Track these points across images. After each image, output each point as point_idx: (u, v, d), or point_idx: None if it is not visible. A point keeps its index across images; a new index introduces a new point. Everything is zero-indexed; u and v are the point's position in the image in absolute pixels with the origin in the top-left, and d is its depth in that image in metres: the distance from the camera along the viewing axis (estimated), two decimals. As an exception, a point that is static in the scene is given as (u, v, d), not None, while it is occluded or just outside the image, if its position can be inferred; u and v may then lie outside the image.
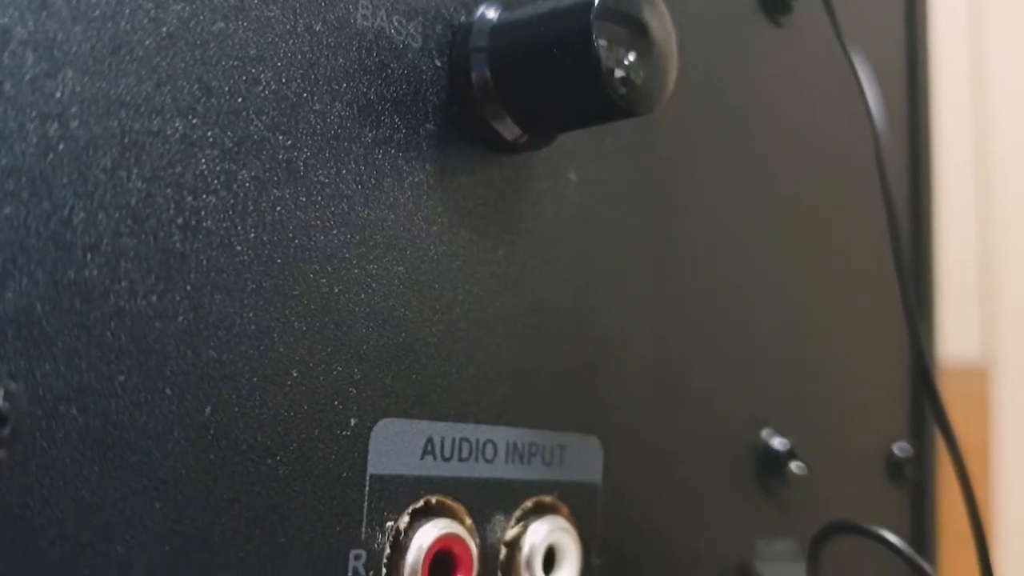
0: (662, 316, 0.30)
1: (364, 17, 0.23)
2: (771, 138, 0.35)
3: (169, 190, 0.20)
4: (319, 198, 0.22)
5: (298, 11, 0.22)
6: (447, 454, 0.24)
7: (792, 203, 0.35)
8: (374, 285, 0.23)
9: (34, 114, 0.18)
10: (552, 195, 0.27)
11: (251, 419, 0.21)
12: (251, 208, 0.21)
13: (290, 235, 0.22)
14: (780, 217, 0.35)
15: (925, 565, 0.27)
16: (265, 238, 0.21)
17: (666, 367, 0.30)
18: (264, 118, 0.22)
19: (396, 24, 0.24)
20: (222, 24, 0.21)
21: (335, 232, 0.23)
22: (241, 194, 0.21)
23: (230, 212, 0.21)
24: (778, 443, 0.32)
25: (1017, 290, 0.90)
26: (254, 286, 0.21)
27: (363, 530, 0.22)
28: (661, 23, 0.24)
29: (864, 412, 0.37)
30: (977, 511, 0.29)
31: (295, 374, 0.22)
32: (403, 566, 0.23)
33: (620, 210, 0.29)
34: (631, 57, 0.23)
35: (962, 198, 0.94)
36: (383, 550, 0.23)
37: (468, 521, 0.24)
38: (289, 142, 0.22)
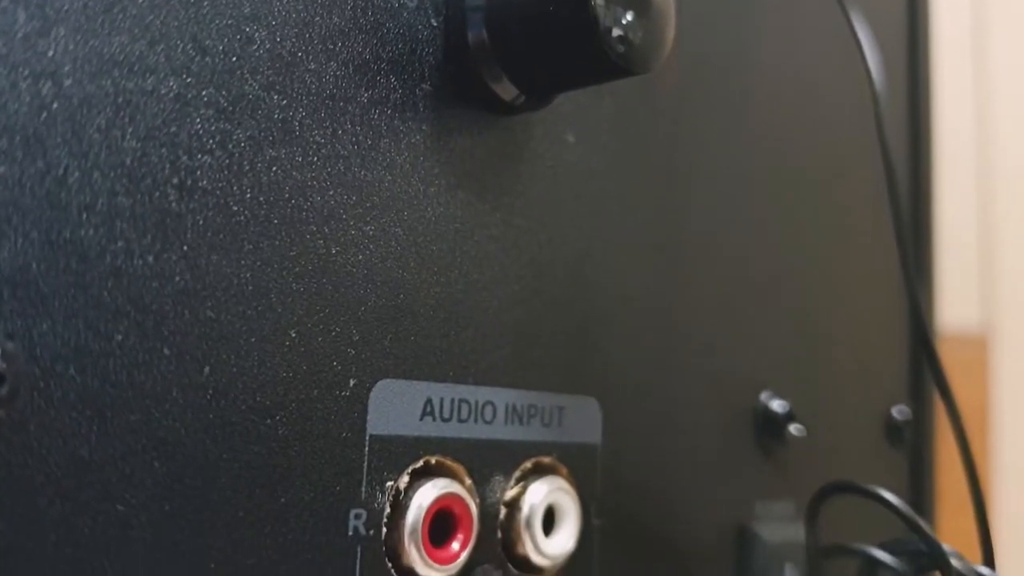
0: (660, 279, 0.30)
1: (359, -24, 0.23)
2: (770, 100, 0.35)
3: (164, 150, 0.20)
4: (315, 158, 0.22)
5: (292, -31, 0.22)
6: (446, 415, 0.24)
7: (791, 166, 0.35)
8: (371, 246, 0.23)
9: (27, 73, 0.18)
10: (550, 157, 0.27)
11: (250, 379, 0.21)
12: (247, 168, 0.21)
13: (286, 195, 0.22)
14: (779, 180, 0.35)
15: (923, 524, 0.27)
16: (261, 198, 0.21)
17: (665, 330, 0.30)
18: (259, 77, 0.21)
19: (391, -17, 0.24)
20: (215, -18, 0.21)
21: (331, 193, 0.22)
22: (236, 154, 0.21)
23: (226, 172, 0.21)
24: (777, 405, 0.32)
25: (1017, 258, 0.90)
26: (251, 247, 0.21)
27: (363, 490, 0.23)
28: (659, -20, 0.24)
29: (863, 375, 0.37)
30: (976, 473, 0.29)
31: (293, 335, 0.22)
32: (403, 525, 0.23)
33: (618, 172, 0.29)
34: (629, 16, 0.23)
35: (962, 165, 0.93)
36: (383, 509, 0.23)
37: (468, 481, 0.24)
38: (284, 102, 0.22)
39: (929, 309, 0.38)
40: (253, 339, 0.21)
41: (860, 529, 0.32)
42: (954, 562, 0.28)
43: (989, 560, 0.29)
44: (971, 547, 0.29)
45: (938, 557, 0.27)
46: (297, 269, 0.22)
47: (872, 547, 0.29)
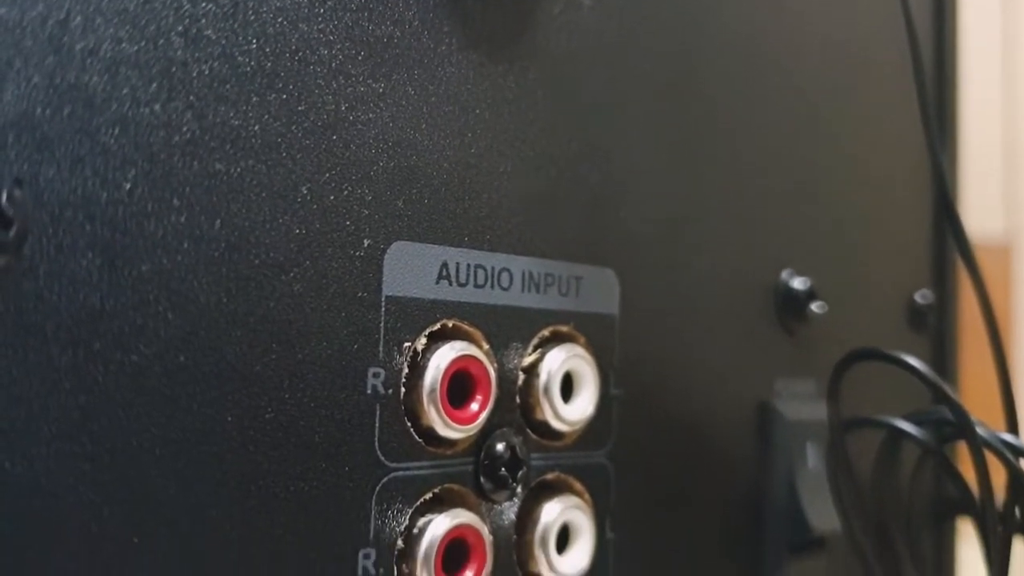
0: (679, 150, 0.29)
1: None
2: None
3: (166, -5, 0.19)
4: (321, 9, 0.22)
5: None
6: (462, 279, 0.24)
7: (815, 41, 0.34)
8: (381, 104, 0.23)
9: (22, -91, 0.18)
10: (565, 20, 0.26)
11: (262, 234, 0.21)
12: (251, 17, 0.21)
13: (293, 47, 0.21)
14: (802, 55, 0.34)
15: (949, 390, 0.27)
16: (267, 49, 0.21)
17: (684, 204, 0.29)
18: (261, -76, 0.21)
19: None
20: None
21: (339, 47, 0.22)
22: (241, 3, 0.20)
23: (230, 21, 0.20)
24: (798, 283, 0.32)
25: (1042, 167, 0.89)
26: (257, 99, 0.21)
27: (380, 350, 0.22)
28: None
29: (886, 258, 0.37)
30: (999, 338, 0.28)
31: (304, 191, 0.21)
32: (422, 386, 0.23)
33: (635, 39, 0.28)
34: None
35: (987, 75, 0.91)
36: (401, 370, 0.23)
37: (485, 346, 0.24)
38: (288, -49, 0.21)
39: (953, 181, 0.37)
40: (264, 194, 0.21)
41: (881, 408, 0.31)
42: (979, 429, 0.27)
43: (1013, 429, 0.29)
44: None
45: (963, 423, 0.27)
46: (306, 124, 0.21)
47: (895, 418, 0.29)
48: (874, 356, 0.28)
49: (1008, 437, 0.28)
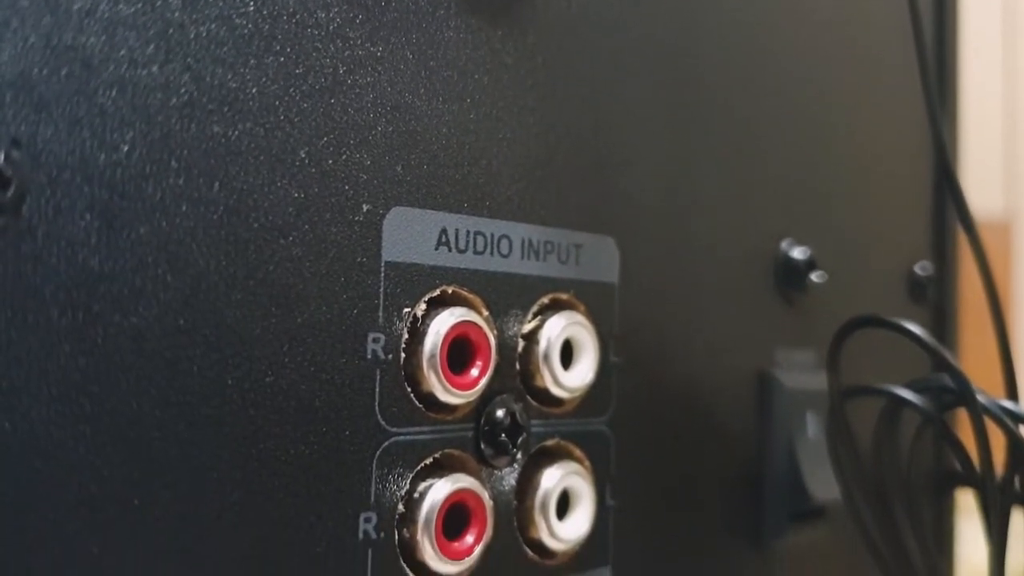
0: (680, 119, 0.29)
1: None
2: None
3: (163, -44, 0.19)
4: (319, -28, 0.22)
5: None
6: (462, 246, 0.24)
7: (816, 12, 0.34)
8: (380, 68, 0.23)
9: None
10: (562, -14, 0.26)
11: (260, 197, 0.21)
12: (249, -21, 0.20)
13: (290, 10, 0.21)
14: (804, 26, 0.34)
15: (949, 356, 0.27)
16: (265, 12, 0.21)
17: (684, 172, 0.29)
18: None
19: None
20: None
21: (336, 9, 0.22)
22: (238, -36, 0.20)
23: (227, -17, 0.20)
24: (798, 252, 0.32)
25: (1042, 144, 0.88)
26: (255, 62, 0.21)
27: (380, 315, 0.22)
28: None
29: (886, 229, 0.37)
30: (1000, 307, 0.28)
31: (303, 155, 0.21)
32: (422, 351, 0.23)
33: (636, 5, 0.28)
34: None
35: (988, 53, 0.91)
36: (401, 335, 0.23)
37: (485, 312, 0.24)
38: (285, -88, 0.21)
39: (953, 149, 0.37)
40: (262, 157, 0.21)
41: (881, 379, 0.32)
42: (979, 397, 0.27)
43: (1013, 395, 0.29)
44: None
45: (963, 389, 0.27)
46: (304, 87, 0.21)
47: (895, 386, 0.29)
48: (875, 323, 0.28)
49: (1008, 404, 0.28)
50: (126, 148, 0.19)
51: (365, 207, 0.22)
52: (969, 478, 0.29)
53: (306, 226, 0.21)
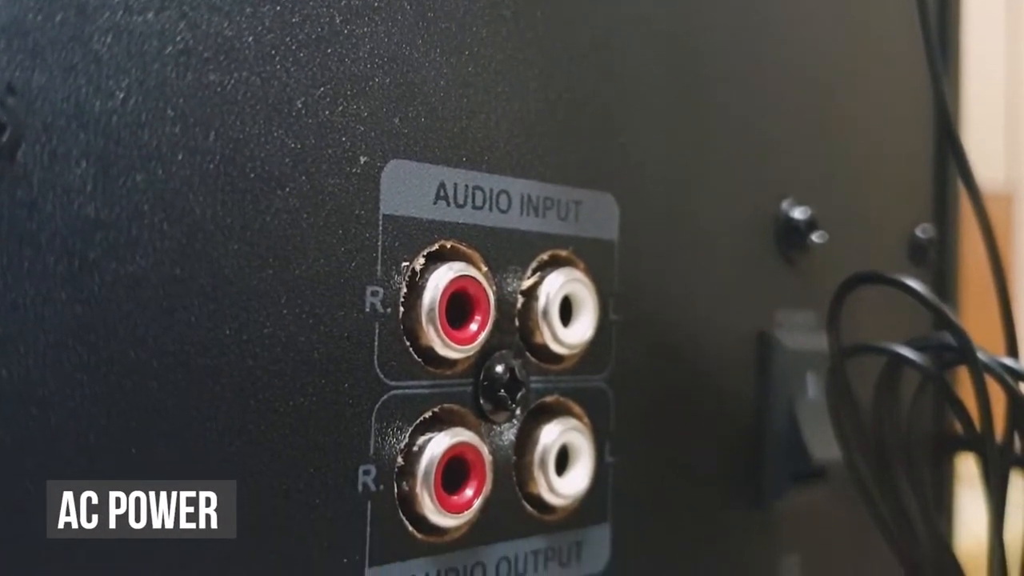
0: (682, 76, 0.29)
1: None
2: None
3: (156, -99, 0.19)
4: (315, -81, 0.21)
5: None
6: (460, 200, 0.24)
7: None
8: (377, 18, 0.22)
9: None
10: (561, -60, 0.26)
11: (257, 147, 0.20)
12: (244, -74, 0.20)
13: (287, -43, 0.21)
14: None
15: (950, 313, 0.27)
16: (260, -41, 0.21)
17: (685, 131, 0.29)
18: None
19: None
20: None
21: (334, -42, 0.22)
22: (232, -90, 0.20)
23: (222, -71, 0.20)
24: (799, 213, 0.32)
25: (1044, 116, 0.88)
26: (251, 10, 0.20)
27: (379, 268, 0.22)
28: None
29: (888, 191, 0.37)
30: (1000, 263, 0.28)
31: (299, 105, 0.21)
32: (420, 305, 0.23)
33: (633, -39, 0.28)
34: None
35: (990, 25, 0.91)
36: (400, 289, 0.23)
37: (483, 268, 0.24)
38: None
39: (955, 107, 0.37)
40: (258, 106, 0.20)
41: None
42: (979, 354, 0.27)
43: (1013, 353, 0.29)
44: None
45: (964, 346, 0.27)
46: (300, 36, 0.21)
47: (896, 344, 0.28)
48: (876, 279, 0.27)
49: (1008, 361, 0.27)
50: (122, 95, 0.19)
51: (363, 159, 0.22)
52: (969, 439, 0.29)
53: (303, 177, 0.21)
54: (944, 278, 0.39)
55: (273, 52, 0.21)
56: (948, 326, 0.27)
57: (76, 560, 0.18)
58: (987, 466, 0.28)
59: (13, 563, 0.17)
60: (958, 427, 0.39)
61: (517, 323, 0.25)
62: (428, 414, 0.23)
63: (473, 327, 0.23)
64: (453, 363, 0.23)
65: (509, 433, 0.25)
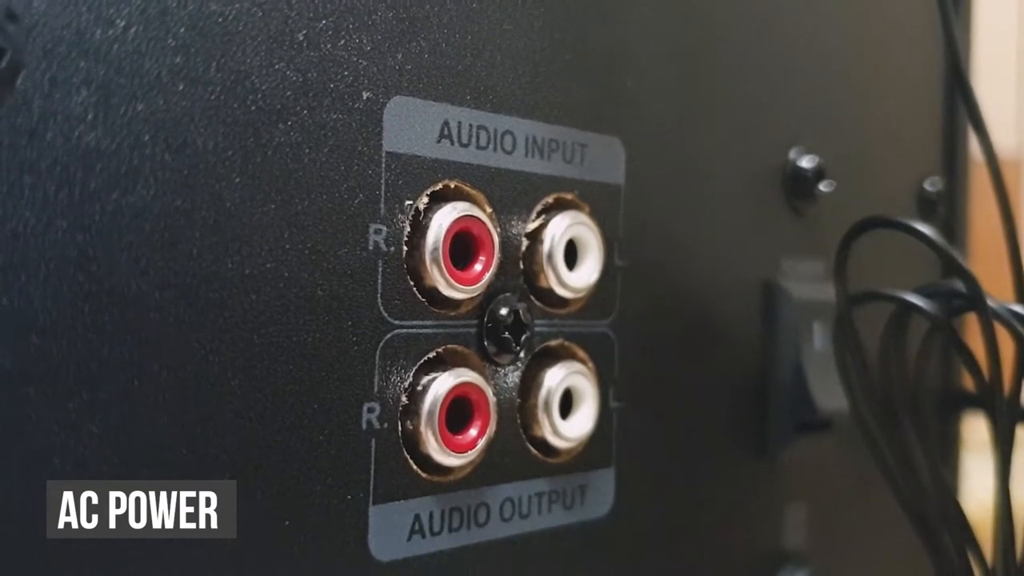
0: (690, 21, 0.29)
1: None
2: None
3: None
4: None
5: None
6: (464, 140, 0.24)
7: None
8: (380, -48, 0.22)
9: None
10: None
11: (258, 79, 0.20)
12: None
13: None
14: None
15: (960, 258, 0.26)
16: None
17: (693, 76, 0.29)
18: None
19: None
20: None
21: None
22: None
23: None
24: (807, 162, 0.32)
25: (1055, 82, 0.87)
26: (253, -61, 0.20)
27: (382, 206, 0.22)
28: None
29: (896, 143, 0.36)
30: (1010, 207, 0.28)
31: (300, 37, 0.21)
32: (424, 245, 0.22)
33: (640, -99, 0.27)
34: None
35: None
36: (403, 228, 0.22)
37: (488, 209, 0.24)
38: None
39: (966, 53, 0.37)
40: (259, 38, 0.20)
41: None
42: (989, 301, 0.27)
43: (1022, 297, 0.29)
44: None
45: (974, 292, 0.26)
46: (302, -32, 0.21)
47: (904, 291, 0.28)
48: (885, 224, 0.27)
49: (1018, 308, 0.27)
50: (123, 23, 0.18)
51: (365, 94, 0.22)
52: (977, 394, 0.29)
53: (304, 111, 0.21)
54: (953, 233, 0.38)
55: (274, -17, 0.20)
56: (958, 271, 0.27)
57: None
58: (995, 413, 0.28)
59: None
60: (965, 383, 0.39)
61: (522, 266, 0.25)
62: (432, 354, 0.23)
63: (477, 268, 0.23)
64: (457, 304, 0.23)
65: (513, 376, 0.25)
